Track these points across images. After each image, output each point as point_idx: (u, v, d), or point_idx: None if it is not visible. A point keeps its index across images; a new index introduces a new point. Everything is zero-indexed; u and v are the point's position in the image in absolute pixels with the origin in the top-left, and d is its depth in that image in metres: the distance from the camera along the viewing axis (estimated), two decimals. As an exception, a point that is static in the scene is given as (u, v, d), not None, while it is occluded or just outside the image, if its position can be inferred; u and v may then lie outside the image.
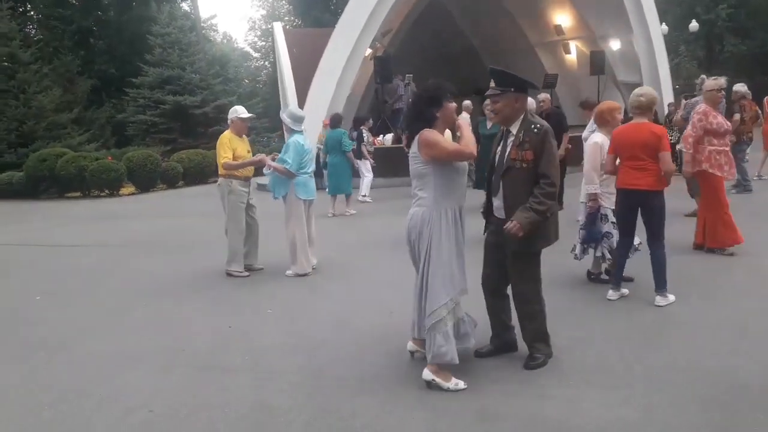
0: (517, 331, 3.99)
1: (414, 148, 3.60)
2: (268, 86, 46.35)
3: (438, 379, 3.58)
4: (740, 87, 9.91)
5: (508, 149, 3.72)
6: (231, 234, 6.43)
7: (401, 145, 13.97)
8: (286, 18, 46.19)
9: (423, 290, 3.65)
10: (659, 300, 4.79)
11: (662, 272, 4.78)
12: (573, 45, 17.84)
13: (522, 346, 3.97)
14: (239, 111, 6.53)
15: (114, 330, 5.02)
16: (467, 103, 9.31)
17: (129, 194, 16.12)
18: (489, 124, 9.63)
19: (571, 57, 17.99)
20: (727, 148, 6.22)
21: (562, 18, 17.46)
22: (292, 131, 6.25)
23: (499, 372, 3.80)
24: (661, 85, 15.39)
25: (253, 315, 5.21)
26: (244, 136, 6.59)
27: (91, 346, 4.66)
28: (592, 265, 5.57)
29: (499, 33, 18.82)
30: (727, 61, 33.39)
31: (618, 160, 4.93)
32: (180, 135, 22.87)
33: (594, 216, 5.25)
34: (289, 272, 6.33)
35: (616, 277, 5.03)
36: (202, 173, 18.29)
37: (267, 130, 28.03)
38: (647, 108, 4.75)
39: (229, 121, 6.52)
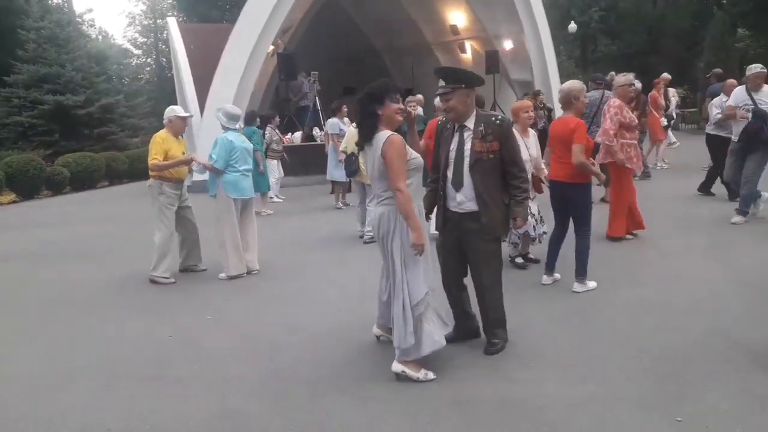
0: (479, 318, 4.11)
1: (378, 152, 3.53)
2: (153, 84, 44.21)
3: (408, 370, 3.61)
4: (637, 83, 10.78)
5: (468, 143, 3.80)
6: (160, 237, 6.08)
7: (311, 143, 13.88)
8: (169, 14, 44.19)
9: (398, 285, 3.59)
10: (577, 287, 5.05)
11: (583, 261, 5.03)
12: (468, 45, 18.52)
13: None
14: (177, 110, 6.32)
15: (38, 348, 4.57)
16: (419, 97, 9.31)
17: (9, 202, 14.68)
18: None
19: (467, 56, 18.66)
20: (636, 142, 6.74)
21: (458, 18, 18.06)
22: (227, 129, 6.10)
23: (463, 359, 3.89)
24: (550, 82, 16.35)
25: (193, 322, 4.96)
26: (181, 137, 6.27)
27: (14, 367, 4.22)
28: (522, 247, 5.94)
29: (398, 32, 19.17)
30: (599, 60, 36.28)
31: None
32: (62, 137, 21.10)
33: None
34: (222, 275, 6.09)
35: (548, 262, 5.29)
36: (91, 178, 17.09)
37: (156, 130, 26.56)
38: (567, 102, 5.01)
39: (165, 120, 6.23)
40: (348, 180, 9.67)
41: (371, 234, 7.25)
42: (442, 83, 3.84)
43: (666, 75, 12.43)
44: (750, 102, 6.95)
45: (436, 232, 4.14)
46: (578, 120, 4.91)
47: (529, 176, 5.31)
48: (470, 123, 3.82)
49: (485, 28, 17.40)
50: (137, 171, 17.63)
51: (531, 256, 6.01)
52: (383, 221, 3.62)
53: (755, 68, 7.13)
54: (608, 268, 5.61)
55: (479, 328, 4.13)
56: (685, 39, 34.32)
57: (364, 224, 7.48)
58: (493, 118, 3.83)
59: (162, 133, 6.12)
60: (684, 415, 3.08)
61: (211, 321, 4.96)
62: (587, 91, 10.31)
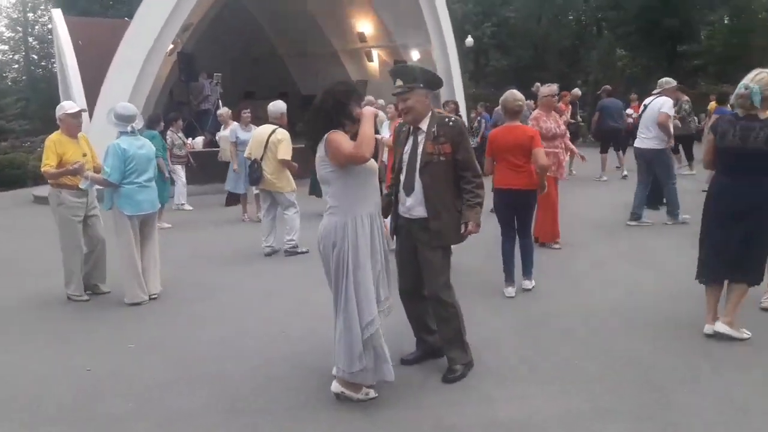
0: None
1: (321, 151, 3.26)
2: (23, 84, 40.36)
3: (347, 391, 3.34)
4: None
5: (421, 146, 3.59)
6: (65, 252, 5.32)
7: (215, 149, 13.05)
8: (42, 8, 40.75)
9: (348, 304, 3.25)
10: (527, 284, 5.21)
11: (531, 258, 5.22)
12: (375, 53, 18.46)
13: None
14: (66, 106, 5.45)
15: None
16: (381, 101, 8.77)
17: None
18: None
19: (374, 65, 18.59)
20: (558, 150, 6.84)
21: (365, 26, 17.94)
22: (120, 133, 5.31)
23: (432, 381, 3.63)
24: (455, 93, 16.64)
25: (112, 350, 4.31)
26: (80, 135, 5.47)
27: None
28: None
29: (304, 37, 18.68)
30: (491, 74, 37.85)
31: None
32: None
33: None
34: (126, 299, 5.33)
35: (508, 273, 5.17)
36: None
37: (29, 133, 24.25)
38: (514, 111, 5.03)
39: (58, 121, 5.39)
40: (245, 192, 9.12)
41: (291, 244, 6.84)
42: (399, 82, 3.58)
43: (576, 90, 13.10)
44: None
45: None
46: (533, 128, 4.90)
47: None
48: (424, 125, 3.61)
49: (393, 38, 17.39)
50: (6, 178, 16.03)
51: None
52: (329, 232, 3.26)
53: (672, 81, 7.71)
54: (549, 276, 5.60)
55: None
56: (567, 56, 36.72)
57: (269, 237, 6.96)
58: (446, 119, 3.63)
59: (55, 136, 5.33)
60: (675, 423, 3.02)
61: (135, 349, 4.33)
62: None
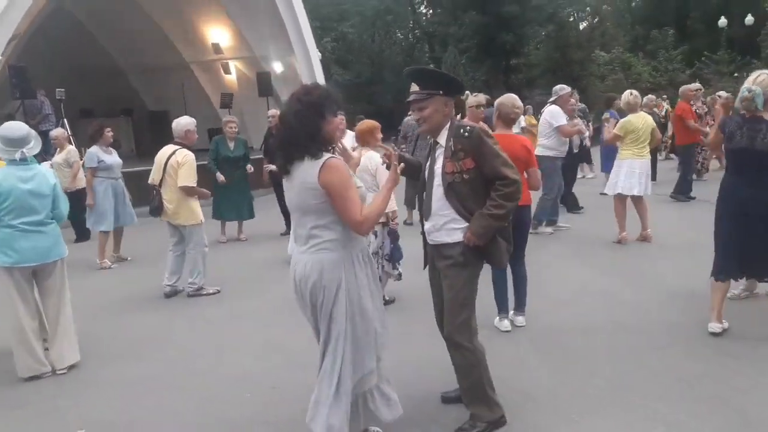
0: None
1: (310, 177, 2.66)
2: None
3: None
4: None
5: (439, 162, 3.12)
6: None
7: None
8: None
9: (335, 358, 2.74)
10: (519, 320, 4.63)
11: (524, 290, 4.64)
12: (233, 65, 17.36)
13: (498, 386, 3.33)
14: None
15: None
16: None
17: None
18: (231, 144, 8.44)
19: (231, 77, 17.46)
20: None
21: (221, 36, 16.79)
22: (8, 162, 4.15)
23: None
24: (322, 106, 16.24)
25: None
26: None
27: None
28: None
29: (148, 49, 16.95)
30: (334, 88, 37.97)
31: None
32: None
33: (394, 232, 5.05)
34: (19, 373, 4.17)
35: (501, 303, 4.60)
36: None
37: None
38: (509, 119, 4.61)
39: None
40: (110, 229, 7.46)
41: (193, 287, 5.92)
42: (414, 87, 3.12)
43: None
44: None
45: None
46: (528, 140, 4.63)
47: None
48: (442, 139, 3.13)
49: (252, 48, 16.49)
50: None
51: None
52: (322, 272, 2.71)
53: (566, 88, 7.96)
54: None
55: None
56: (400, 72, 38.22)
57: (172, 275, 5.99)
58: (461, 130, 3.10)
59: None
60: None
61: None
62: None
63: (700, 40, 30.61)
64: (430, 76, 3.19)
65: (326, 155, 2.68)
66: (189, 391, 3.85)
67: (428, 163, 3.20)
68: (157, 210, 5.84)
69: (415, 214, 4.41)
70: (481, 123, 6.24)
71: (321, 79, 16.78)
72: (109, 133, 7.66)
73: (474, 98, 6.59)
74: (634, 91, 7.11)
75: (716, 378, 3.57)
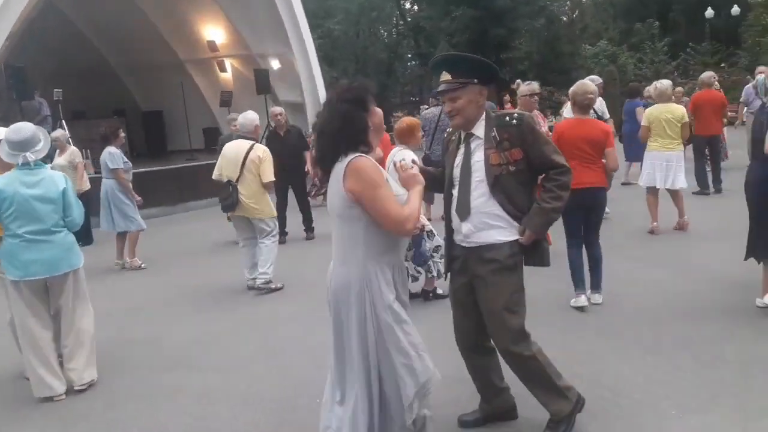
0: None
1: (337, 183, 2.47)
2: None
3: None
4: None
5: (477, 155, 2.88)
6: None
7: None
8: None
9: (359, 381, 2.49)
10: (596, 297, 4.76)
11: (600, 269, 4.78)
12: (228, 63, 17.04)
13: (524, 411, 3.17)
14: None
15: None
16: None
17: None
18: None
19: (227, 75, 17.13)
20: None
21: (217, 34, 16.45)
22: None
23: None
24: (320, 100, 16.05)
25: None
26: None
27: None
28: (425, 284, 5.21)
29: (141, 47, 16.53)
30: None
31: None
32: None
33: (419, 237, 4.88)
34: (35, 393, 3.94)
35: (578, 282, 4.75)
36: None
37: None
38: (586, 105, 4.69)
39: None
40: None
41: (265, 278, 5.79)
42: (446, 76, 2.85)
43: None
44: None
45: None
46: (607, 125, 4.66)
47: None
48: (479, 130, 2.90)
49: (249, 46, 16.20)
50: None
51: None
52: (339, 287, 2.52)
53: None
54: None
55: (514, 404, 3.18)
56: (384, 68, 38.24)
57: (253, 268, 5.88)
58: (507, 117, 2.90)
59: None
60: None
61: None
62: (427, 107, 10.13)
63: (682, 32, 30.99)
64: (463, 63, 2.91)
65: (353, 155, 2.45)
66: (251, 400, 3.68)
67: (460, 159, 2.93)
68: (233, 206, 5.72)
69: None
70: (535, 111, 6.23)
71: (319, 76, 16.58)
72: (122, 135, 7.48)
73: (527, 87, 6.42)
74: (665, 81, 7.05)
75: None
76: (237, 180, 5.65)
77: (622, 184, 9.86)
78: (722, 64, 24.69)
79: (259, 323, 5.08)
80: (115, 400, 3.81)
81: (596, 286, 4.76)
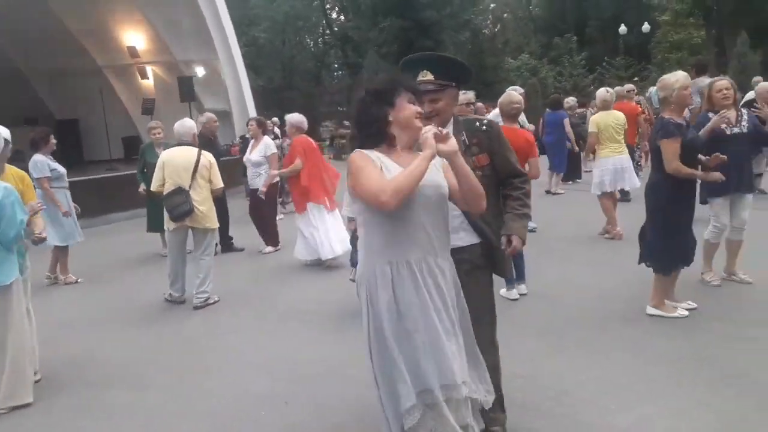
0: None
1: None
2: None
3: None
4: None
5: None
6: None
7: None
8: None
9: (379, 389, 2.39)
10: (523, 288, 5.08)
11: (522, 262, 5.02)
12: (150, 69, 16.39)
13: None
14: None
15: None
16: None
17: None
18: (159, 151, 7.89)
19: (149, 82, 16.47)
20: None
21: (137, 39, 15.80)
22: None
23: None
24: (248, 108, 15.82)
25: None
26: None
27: None
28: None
29: (54, 52, 15.59)
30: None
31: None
32: None
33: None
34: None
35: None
36: None
37: None
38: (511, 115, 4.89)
39: None
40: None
41: (205, 296, 5.55)
42: (427, 75, 2.75)
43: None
44: None
45: None
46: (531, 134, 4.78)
47: None
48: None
49: (172, 52, 15.69)
50: None
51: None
52: (360, 282, 2.46)
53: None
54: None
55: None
56: (311, 77, 38.18)
57: (175, 282, 5.69)
58: (477, 123, 2.91)
59: None
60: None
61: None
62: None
63: (598, 47, 32.67)
64: (447, 64, 2.84)
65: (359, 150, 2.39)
66: (200, 415, 3.51)
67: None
68: (188, 213, 5.42)
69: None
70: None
71: (246, 83, 16.31)
72: (53, 140, 6.90)
73: (463, 96, 6.28)
74: (610, 89, 7.29)
75: (724, 359, 3.72)
76: (189, 187, 5.46)
77: (546, 192, 10.22)
78: (635, 78, 26.19)
79: (198, 337, 4.85)
80: (53, 420, 3.53)
81: (520, 277, 5.04)
